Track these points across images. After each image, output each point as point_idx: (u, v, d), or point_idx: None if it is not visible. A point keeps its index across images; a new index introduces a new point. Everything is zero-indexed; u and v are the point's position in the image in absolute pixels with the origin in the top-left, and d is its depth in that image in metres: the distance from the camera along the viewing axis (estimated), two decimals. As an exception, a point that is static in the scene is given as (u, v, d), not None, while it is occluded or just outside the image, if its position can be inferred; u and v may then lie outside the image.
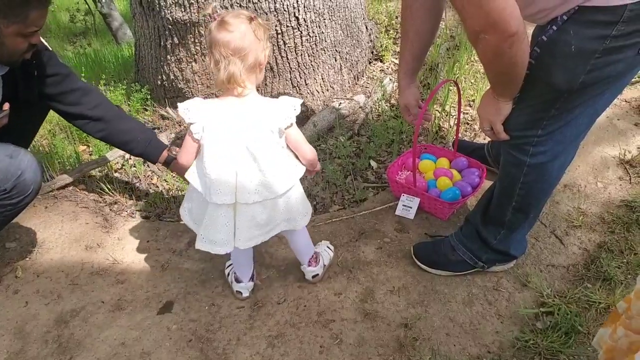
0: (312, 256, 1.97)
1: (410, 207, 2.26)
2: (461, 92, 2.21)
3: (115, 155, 2.61)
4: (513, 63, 1.37)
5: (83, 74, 3.07)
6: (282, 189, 1.67)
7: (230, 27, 1.50)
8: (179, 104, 1.61)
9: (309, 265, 1.97)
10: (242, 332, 1.85)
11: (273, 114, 1.60)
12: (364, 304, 1.93)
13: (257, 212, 1.67)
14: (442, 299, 1.94)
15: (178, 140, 2.83)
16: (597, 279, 1.96)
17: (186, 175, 1.69)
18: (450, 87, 2.96)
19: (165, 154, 2.16)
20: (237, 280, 1.95)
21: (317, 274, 2.00)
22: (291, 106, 1.62)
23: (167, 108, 3.03)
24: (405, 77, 1.99)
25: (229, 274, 2.02)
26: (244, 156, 1.59)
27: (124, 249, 2.23)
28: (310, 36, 2.74)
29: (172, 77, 2.89)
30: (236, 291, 1.97)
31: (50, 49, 2.00)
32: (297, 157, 1.77)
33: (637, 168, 2.47)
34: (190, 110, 1.57)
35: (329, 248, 2.12)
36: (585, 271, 2.00)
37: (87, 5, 8.22)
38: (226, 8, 2.49)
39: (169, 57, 2.81)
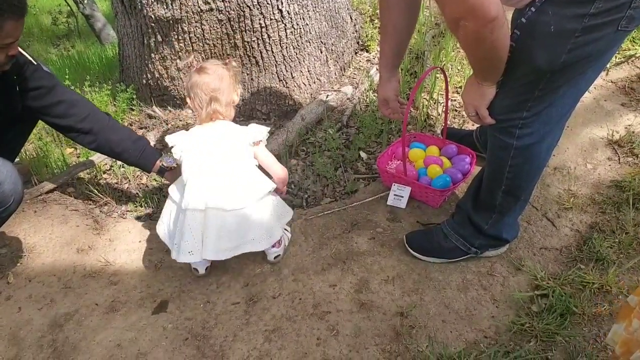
0: (278, 239, 2.03)
1: (402, 197, 2.25)
2: (448, 79, 2.20)
3: (102, 156, 2.59)
4: (495, 48, 1.37)
5: (67, 77, 3.03)
6: (250, 201, 1.83)
7: (208, 70, 1.83)
8: (167, 137, 1.89)
9: (273, 247, 2.03)
10: (238, 328, 1.85)
11: (245, 131, 1.87)
12: (359, 295, 1.93)
13: (227, 221, 1.81)
14: (437, 286, 1.94)
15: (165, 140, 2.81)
16: (590, 259, 1.97)
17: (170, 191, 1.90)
18: (437, 75, 2.95)
19: (158, 163, 2.15)
20: None
21: (279, 254, 2.07)
22: (259, 131, 1.89)
23: (154, 107, 3.01)
24: (386, 70, 1.98)
25: None
26: (219, 165, 1.81)
27: (115, 250, 2.21)
28: (294, 28, 2.72)
29: (157, 75, 2.86)
30: (193, 268, 2.01)
31: (35, 62, 1.96)
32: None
33: (625, 148, 2.48)
34: (175, 140, 1.87)
35: (286, 230, 2.17)
36: (578, 252, 2.01)
37: (69, 7, 8.15)
38: (208, 3, 2.47)
39: (153, 55, 2.79)
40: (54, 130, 2.21)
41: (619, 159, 2.43)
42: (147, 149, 2.15)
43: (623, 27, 1.35)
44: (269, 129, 1.91)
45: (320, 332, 1.81)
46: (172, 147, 1.86)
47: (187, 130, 1.91)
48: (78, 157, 2.77)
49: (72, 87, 3.05)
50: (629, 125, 2.62)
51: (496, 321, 1.81)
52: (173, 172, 2.16)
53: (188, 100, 1.88)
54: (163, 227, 1.95)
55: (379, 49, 3.35)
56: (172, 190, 1.92)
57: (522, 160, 1.69)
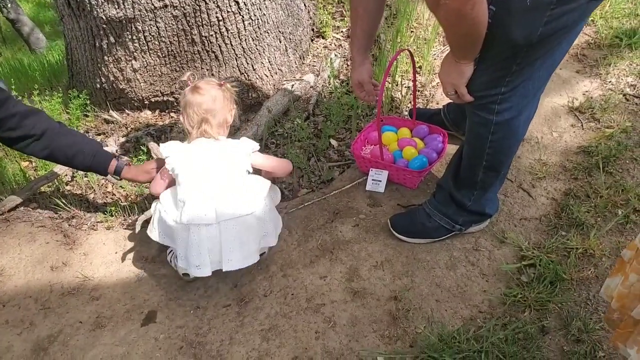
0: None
1: (380, 181, 2.25)
2: (415, 60, 2.20)
3: (64, 167, 2.47)
4: (475, 24, 1.38)
5: (13, 87, 2.86)
6: (261, 200, 1.85)
7: (202, 91, 1.81)
8: (161, 146, 1.86)
9: None
10: (233, 330, 1.81)
11: (241, 143, 1.88)
12: (350, 283, 1.92)
13: (249, 225, 1.81)
14: (426, 266, 1.96)
15: (127, 144, 2.71)
16: (570, 225, 2.02)
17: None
18: (398, 56, 2.95)
19: (113, 163, 2.04)
20: None
21: (265, 252, 2.02)
22: (252, 141, 1.90)
23: (110, 111, 2.89)
24: (359, 53, 1.97)
25: (171, 260, 2.00)
26: (220, 178, 1.80)
27: (92, 264, 2.12)
28: (252, 19, 2.66)
29: (111, 78, 2.74)
30: (183, 274, 1.94)
31: None
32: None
33: (586, 114, 2.56)
34: (169, 150, 1.83)
35: None
36: (557, 220, 2.07)
37: (-10, 13, 7.72)
38: (162, 0, 2.39)
39: (106, 57, 2.67)
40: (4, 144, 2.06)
41: (582, 125, 2.50)
42: (101, 151, 2.04)
43: None
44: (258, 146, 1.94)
45: (318, 325, 1.79)
46: (166, 157, 1.82)
47: (178, 141, 1.90)
48: (35, 169, 2.63)
49: (20, 98, 2.91)
50: (587, 92, 2.70)
51: (488, 295, 1.84)
52: (129, 170, 2.06)
53: (181, 117, 1.89)
54: (155, 234, 1.88)
55: (337, 33, 3.35)
56: (166, 200, 1.86)
57: (502, 135, 1.71)
